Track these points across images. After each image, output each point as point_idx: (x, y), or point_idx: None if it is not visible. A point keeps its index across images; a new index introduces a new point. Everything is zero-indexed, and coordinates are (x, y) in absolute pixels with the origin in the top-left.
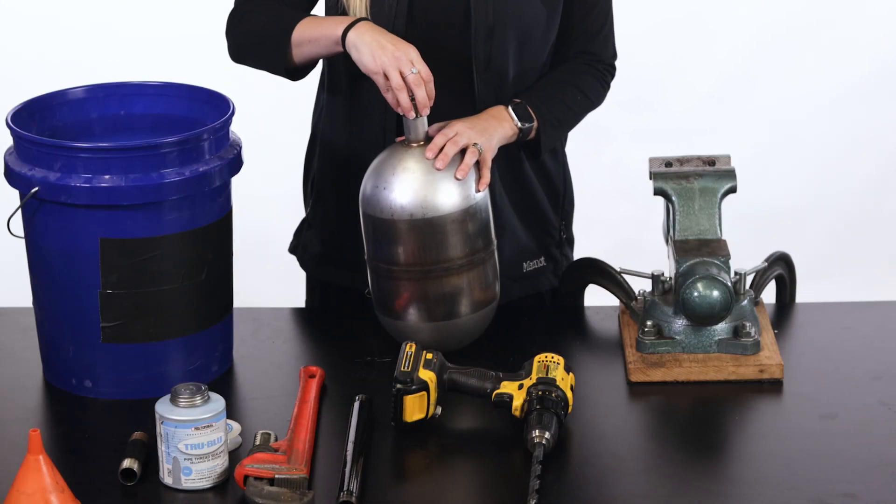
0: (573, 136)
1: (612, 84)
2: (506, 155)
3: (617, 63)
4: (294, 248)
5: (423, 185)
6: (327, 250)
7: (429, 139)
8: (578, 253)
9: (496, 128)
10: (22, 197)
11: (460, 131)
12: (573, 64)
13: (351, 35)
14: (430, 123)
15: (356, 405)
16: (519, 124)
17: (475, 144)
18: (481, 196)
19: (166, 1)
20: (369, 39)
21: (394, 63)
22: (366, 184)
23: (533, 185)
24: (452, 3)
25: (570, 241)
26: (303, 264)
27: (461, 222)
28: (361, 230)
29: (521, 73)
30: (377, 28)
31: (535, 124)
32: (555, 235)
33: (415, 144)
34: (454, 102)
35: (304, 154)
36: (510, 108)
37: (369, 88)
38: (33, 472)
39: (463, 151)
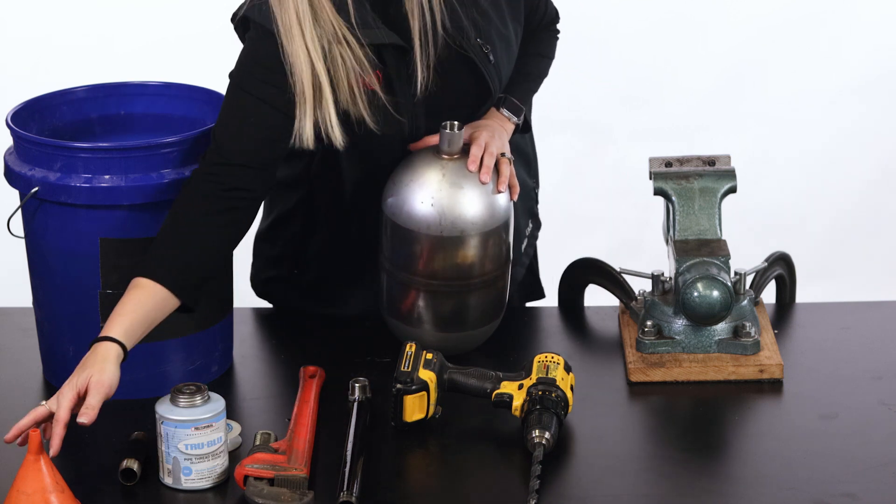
0: (573, 136)
1: (614, 83)
2: None
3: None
4: (266, 296)
5: (462, 201)
6: (324, 309)
7: (462, 151)
8: (578, 253)
9: (504, 134)
10: (22, 197)
11: (489, 141)
12: (527, 34)
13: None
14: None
15: (356, 405)
16: (516, 120)
17: (503, 154)
18: (509, 210)
19: (166, 2)
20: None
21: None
22: (394, 190)
23: (516, 168)
24: (468, 86)
25: (538, 188)
26: (278, 306)
27: (490, 238)
28: (382, 231)
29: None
30: (92, 357)
31: (524, 112)
32: (533, 196)
33: (447, 157)
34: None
35: (262, 228)
36: (504, 110)
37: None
38: (33, 472)
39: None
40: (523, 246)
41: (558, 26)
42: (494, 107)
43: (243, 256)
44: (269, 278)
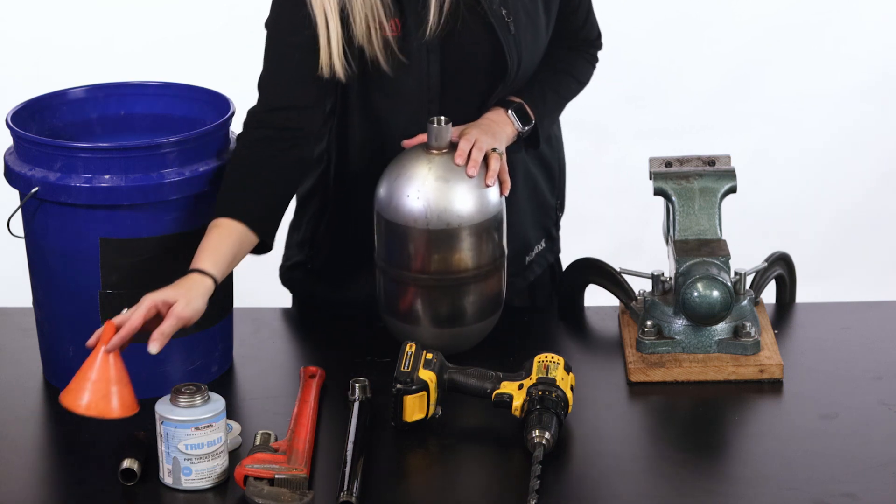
0: (573, 135)
1: (616, 83)
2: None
3: (607, 47)
4: (288, 284)
5: (448, 195)
6: (333, 294)
7: (450, 146)
8: (578, 253)
9: (502, 133)
10: (22, 197)
11: (479, 137)
12: (563, 51)
13: None
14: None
15: (356, 405)
16: (520, 127)
17: (494, 149)
18: (499, 205)
19: (166, 2)
20: None
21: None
22: (386, 188)
23: (532, 175)
24: (483, 49)
25: (562, 212)
26: (303, 301)
27: (481, 233)
28: (374, 229)
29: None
30: (184, 283)
31: (533, 123)
32: (552, 216)
33: (436, 151)
34: (473, 118)
35: (295, 206)
36: (510, 112)
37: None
38: (102, 363)
39: (484, 158)
40: (528, 258)
41: (599, 54)
42: (504, 108)
43: (246, 258)
44: (293, 265)
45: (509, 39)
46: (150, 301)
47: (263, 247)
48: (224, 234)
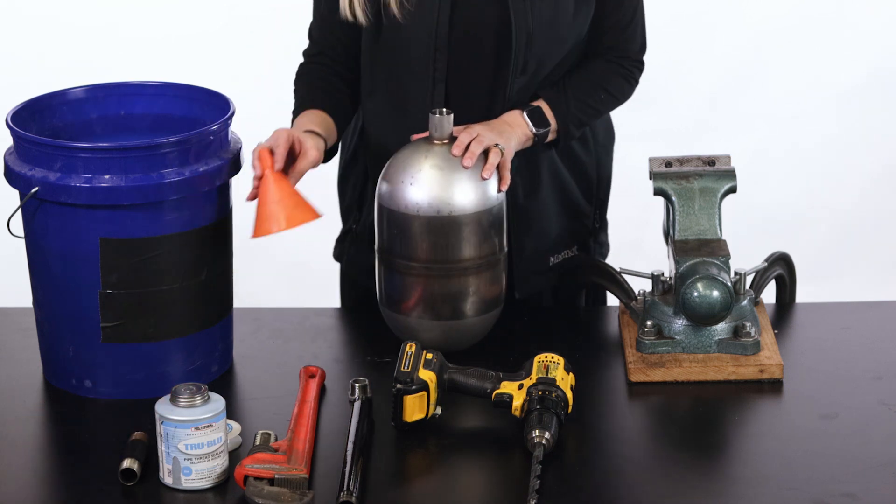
0: None
1: None
2: (532, 149)
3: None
4: (339, 257)
5: (443, 183)
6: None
7: (452, 139)
8: None
9: (511, 133)
10: (22, 197)
11: (482, 132)
12: (600, 61)
13: None
14: (455, 123)
15: (356, 405)
16: (534, 130)
17: (496, 145)
18: (498, 199)
19: (166, 1)
20: None
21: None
22: (385, 176)
23: (563, 178)
24: (492, 9)
25: (603, 227)
26: (348, 272)
27: (477, 224)
28: (374, 220)
29: (552, 73)
30: (313, 137)
31: (552, 127)
32: (587, 224)
33: (437, 142)
34: (487, 102)
35: (338, 174)
36: (525, 114)
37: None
38: (276, 183)
39: (485, 152)
40: (552, 260)
41: (640, 77)
42: (519, 110)
43: (244, 256)
44: (341, 236)
45: (518, 4)
46: (286, 133)
47: (325, 155)
48: (316, 115)
